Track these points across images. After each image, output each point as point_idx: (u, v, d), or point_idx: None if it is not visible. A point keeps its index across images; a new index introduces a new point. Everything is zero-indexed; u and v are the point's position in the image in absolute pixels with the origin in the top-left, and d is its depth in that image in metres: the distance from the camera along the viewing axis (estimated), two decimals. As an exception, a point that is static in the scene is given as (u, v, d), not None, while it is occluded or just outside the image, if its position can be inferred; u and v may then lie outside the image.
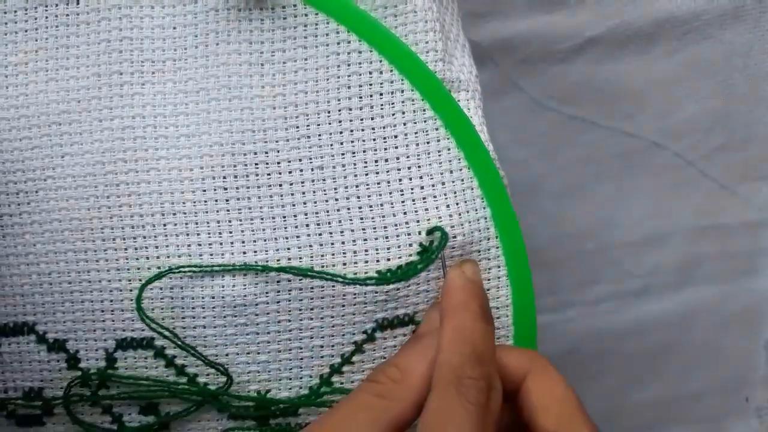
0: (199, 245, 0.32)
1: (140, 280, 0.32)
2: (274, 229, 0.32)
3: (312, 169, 0.32)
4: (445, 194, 0.32)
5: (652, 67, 0.50)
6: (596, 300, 0.53)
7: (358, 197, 0.32)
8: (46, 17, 0.33)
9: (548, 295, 0.52)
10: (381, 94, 0.32)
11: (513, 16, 0.48)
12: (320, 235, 0.32)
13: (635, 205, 0.52)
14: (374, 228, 0.32)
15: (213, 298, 0.32)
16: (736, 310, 0.53)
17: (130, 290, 0.32)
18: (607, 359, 0.53)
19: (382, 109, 0.32)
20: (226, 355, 0.32)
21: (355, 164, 0.32)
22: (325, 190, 0.32)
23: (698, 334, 0.53)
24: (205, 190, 0.32)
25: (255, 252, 0.32)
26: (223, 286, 0.32)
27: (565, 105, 0.50)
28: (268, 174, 0.32)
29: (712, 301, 0.53)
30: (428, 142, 0.32)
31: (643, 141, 0.51)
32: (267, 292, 0.32)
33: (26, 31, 0.33)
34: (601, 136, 0.51)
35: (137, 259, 0.32)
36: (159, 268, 0.32)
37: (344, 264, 0.32)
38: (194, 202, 0.32)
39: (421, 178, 0.32)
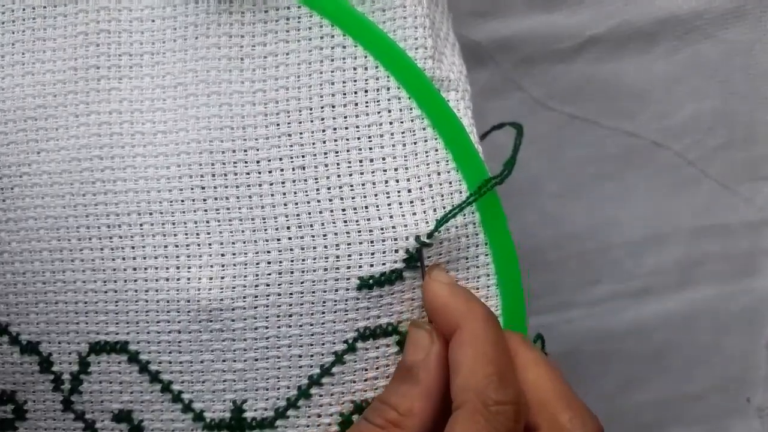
0: (176, 246, 0.31)
1: (115, 281, 0.31)
2: (254, 230, 0.31)
3: (293, 169, 0.31)
4: (432, 197, 0.30)
5: (653, 67, 0.50)
6: (596, 300, 0.52)
7: (342, 199, 0.30)
8: (23, 9, 0.32)
9: (548, 295, 0.52)
10: (366, 91, 0.31)
11: (513, 16, 0.48)
12: (302, 238, 0.31)
13: (635, 205, 0.51)
14: (358, 232, 0.30)
15: (188, 301, 0.31)
16: (737, 310, 0.53)
17: (105, 292, 0.31)
18: (607, 359, 0.53)
19: (367, 106, 0.31)
20: (201, 361, 0.31)
21: (338, 164, 0.31)
22: (306, 191, 0.31)
23: (699, 334, 0.53)
24: (182, 189, 0.31)
25: (234, 254, 0.31)
26: (199, 289, 0.31)
27: (566, 105, 0.50)
28: (248, 173, 0.31)
29: (713, 301, 0.53)
30: (415, 143, 0.31)
31: (644, 141, 0.51)
32: (244, 297, 0.31)
33: (2, 23, 0.32)
34: (602, 136, 0.50)
35: (113, 259, 0.31)
36: (135, 269, 0.31)
37: (325, 269, 0.30)
38: (171, 202, 0.31)
39: (408, 180, 0.30)
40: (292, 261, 0.31)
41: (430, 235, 0.30)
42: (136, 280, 0.31)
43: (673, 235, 0.52)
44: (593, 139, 0.51)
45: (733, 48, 0.49)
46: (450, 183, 0.31)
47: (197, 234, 0.31)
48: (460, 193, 0.31)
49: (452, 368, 0.28)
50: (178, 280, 0.31)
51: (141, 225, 0.31)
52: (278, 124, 0.31)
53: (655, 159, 0.51)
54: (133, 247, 0.31)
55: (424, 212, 0.31)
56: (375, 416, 0.29)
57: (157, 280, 0.31)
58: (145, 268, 0.31)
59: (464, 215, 0.31)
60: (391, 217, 0.30)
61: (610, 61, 0.49)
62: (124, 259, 0.31)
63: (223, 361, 0.31)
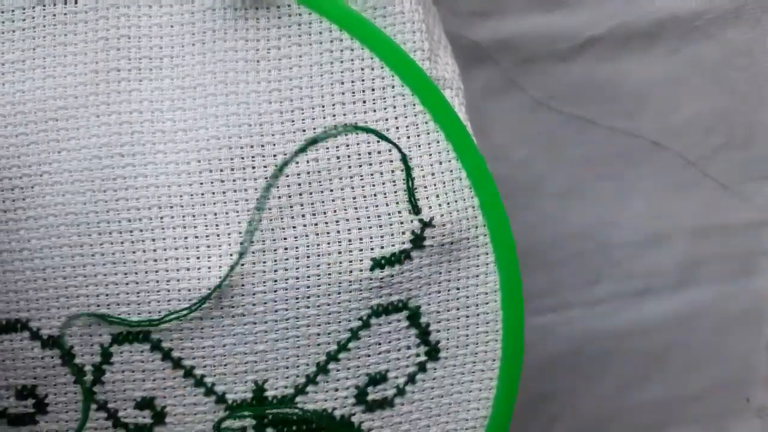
0: (197, 237, 0.32)
1: (136, 273, 0.32)
2: (271, 219, 0.32)
3: (307, 161, 0.32)
4: (435, 185, 0.33)
5: (653, 67, 0.50)
6: (596, 300, 0.53)
7: (353, 188, 0.32)
8: (44, 16, 0.33)
9: (549, 295, 0.52)
10: (373, 90, 0.33)
11: (513, 16, 0.48)
12: (316, 224, 0.32)
13: (635, 205, 0.52)
14: (368, 217, 0.32)
15: (209, 289, 0.32)
16: (737, 310, 0.53)
17: (127, 284, 0.32)
18: (607, 359, 0.53)
19: (374, 103, 0.33)
20: (224, 345, 0.33)
21: (349, 156, 0.32)
22: (320, 182, 0.32)
23: (699, 334, 0.53)
24: (202, 183, 0.32)
25: (252, 243, 0.32)
26: (220, 277, 0.32)
27: (565, 105, 0.50)
28: (265, 166, 0.32)
29: (713, 301, 0.53)
30: (418, 135, 0.33)
31: (644, 141, 0.51)
32: (264, 282, 0.32)
33: (24, 29, 0.33)
34: (601, 136, 0.51)
35: (134, 252, 0.32)
36: (156, 261, 0.32)
37: (339, 252, 0.32)
38: (191, 195, 0.32)
39: (412, 169, 0.33)
40: (308, 246, 0.32)
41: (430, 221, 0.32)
42: (157, 271, 0.32)
43: (673, 235, 0.52)
44: (593, 139, 0.51)
45: (733, 48, 0.49)
46: (451, 171, 0.33)
47: (217, 225, 0.32)
48: (460, 180, 0.33)
49: None
50: (199, 269, 0.32)
51: (161, 218, 0.32)
52: (293, 121, 0.32)
53: (655, 159, 0.51)
54: (153, 240, 0.32)
55: (428, 198, 0.33)
56: None
57: (178, 270, 0.32)
58: (166, 259, 0.32)
59: (465, 200, 0.33)
60: (397, 203, 0.33)
61: (610, 61, 0.50)
62: (144, 251, 0.32)
63: (245, 343, 0.33)
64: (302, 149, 0.32)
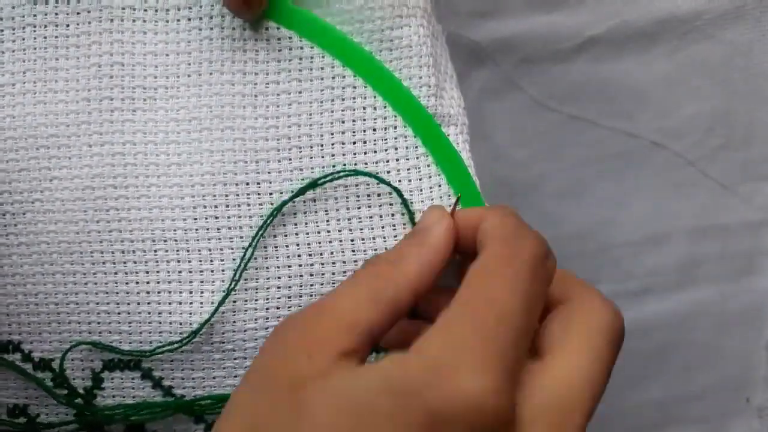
0: (190, 272, 0.32)
1: (129, 303, 0.32)
2: (266, 258, 0.32)
3: (304, 201, 0.32)
4: None
5: (653, 67, 0.50)
6: (596, 300, 0.52)
7: (351, 230, 0.32)
8: (35, 38, 0.32)
9: (548, 295, 0.52)
10: (374, 130, 0.32)
11: (513, 16, 0.48)
12: (311, 265, 0.32)
13: (635, 205, 0.51)
14: (366, 260, 0.32)
15: (200, 324, 0.32)
16: (737, 310, 0.53)
17: (119, 313, 0.32)
18: (607, 359, 0.53)
19: (375, 144, 0.32)
20: (213, 377, 0.32)
21: (347, 198, 0.32)
22: (317, 222, 0.32)
23: (699, 334, 0.53)
24: (196, 219, 0.32)
25: (245, 280, 0.32)
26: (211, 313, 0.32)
27: (565, 105, 0.50)
28: (260, 204, 0.32)
29: (713, 301, 0.53)
30: (420, 179, 0.32)
31: (643, 141, 0.51)
32: (256, 319, 0.32)
33: (13, 51, 0.32)
34: (601, 136, 0.50)
35: (127, 283, 0.32)
36: (148, 293, 0.32)
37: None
38: (185, 230, 0.32)
39: (413, 213, 0.32)
40: (301, 286, 0.32)
41: None
42: (149, 303, 0.32)
43: (673, 235, 0.52)
44: (593, 139, 0.51)
45: (733, 48, 0.49)
46: None
47: (211, 260, 0.32)
48: None
49: (479, 228, 0.29)
50: (191, 303, 0.32)
51: (155, 251, 0.32)
52: (290, 159, 0.32)
53: (655, 159, 0.51)
54: (147, 272, 0.32)
55: None
56: (375, 258, 0.29)
57: (170, 303, 0.32)
58: (159, 292, 0.32)
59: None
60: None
61: (610, 61, 0.49)
62: (137, 282, 0.32)
63: (235, 377, 0.33)
64: (301, 192, 0.31)
